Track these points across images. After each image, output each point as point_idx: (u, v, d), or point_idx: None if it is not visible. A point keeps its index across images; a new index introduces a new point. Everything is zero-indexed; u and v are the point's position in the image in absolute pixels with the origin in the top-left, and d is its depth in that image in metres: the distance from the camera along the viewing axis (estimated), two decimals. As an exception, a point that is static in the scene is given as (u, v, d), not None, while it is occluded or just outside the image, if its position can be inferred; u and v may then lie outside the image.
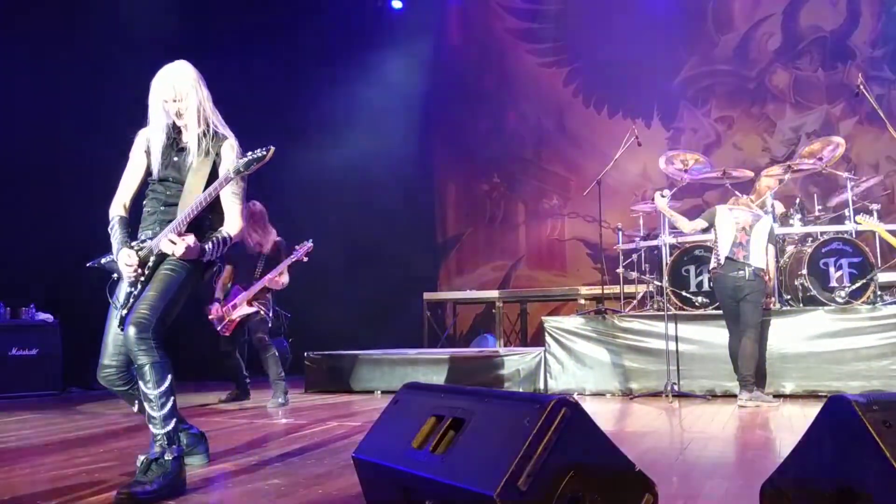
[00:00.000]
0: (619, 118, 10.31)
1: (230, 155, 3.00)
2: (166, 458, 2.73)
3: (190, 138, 3.01)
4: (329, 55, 9.62)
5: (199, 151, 3.00)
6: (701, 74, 10.03)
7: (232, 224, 3.05)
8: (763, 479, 1.99)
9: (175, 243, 2.85)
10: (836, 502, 1.65)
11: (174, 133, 3.05)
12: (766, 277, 5.41)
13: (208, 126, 3.03)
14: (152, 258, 2.92)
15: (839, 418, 1.67)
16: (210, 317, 6.01)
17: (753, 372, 5.24)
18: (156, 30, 7.65)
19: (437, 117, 11.17)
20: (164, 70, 3.00)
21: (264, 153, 2.81)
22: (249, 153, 2.82)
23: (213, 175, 2.98)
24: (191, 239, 2.87)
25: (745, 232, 5.42)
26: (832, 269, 6.02)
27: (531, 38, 10.96)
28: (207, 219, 3.02)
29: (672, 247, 6.68)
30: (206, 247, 2.94)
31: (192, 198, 2.92)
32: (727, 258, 5.40)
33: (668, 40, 10.07)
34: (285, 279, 5.95)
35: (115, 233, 3.03)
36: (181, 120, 3.00)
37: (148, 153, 3.06)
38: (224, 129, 3.08)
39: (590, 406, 5.40)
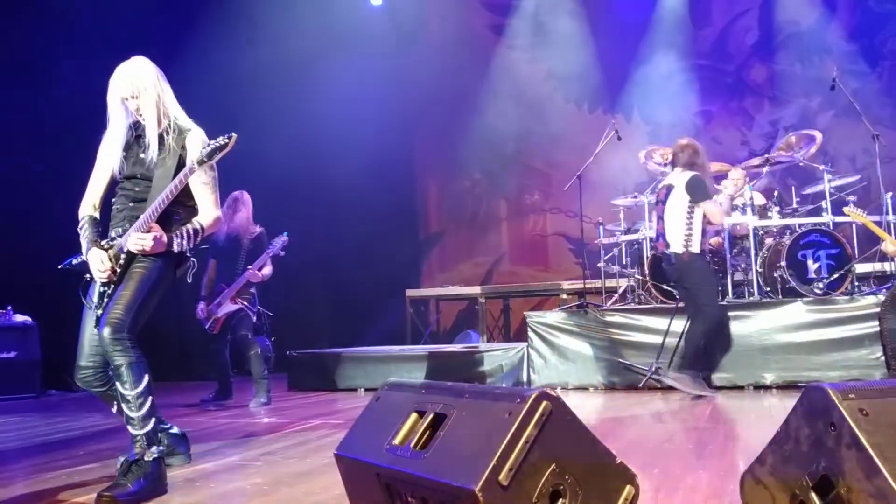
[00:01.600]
0: (599, 113, 10.35)
1: (197, 146, 2.99)
2: (146, 459, 2.72)
3: (153, 134, 2.99)
4: (308, 52, 9.57)
5: (164, 146, 2.99)
6: (680, 69, 10.07)
7: (205, 214, 3.04)
8: (743, 468, 2.01)
9: (141, 240, 2.83)
10: (813, 490, 1.67)
11: (138, 130, 3.04)
12: (685, 253, 5.28)
13: (170, 120, 3.03)
14: (123, 256, 2.90)
15: (816, 407, 1.68)
16: (199, 316, 5.98)
17: (691, 356, 5.30)
18: (133, 25, 7.58)
19: (418, 114, 11.15)
20: (120, 68, 2.99)
21: (226, 140, 2.82)
22: (212, 142, 2.82)
23: (181, 169, 2.97)
24: (157, 231, 2.86)
25: (661, 220, 5.45)
26: (810, 261, 6.08)
27: (511, 34, 10.96)
28: (177, 213, 3.01)
29: (652, 240, 6.74)
30: (175, 238, 2.93)
31: (160, 192, 2.91)
32: (655, 253, 5.48)
33: (646, 35, 10.12)
34: (267, 271, 5.90)
35: (85, 232, 3.01)
36: (142, 116, 2.98)
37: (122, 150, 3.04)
38: (187, 122, 3.08)
39: (572, 400, 5.43)
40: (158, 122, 2.99)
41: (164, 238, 2.89)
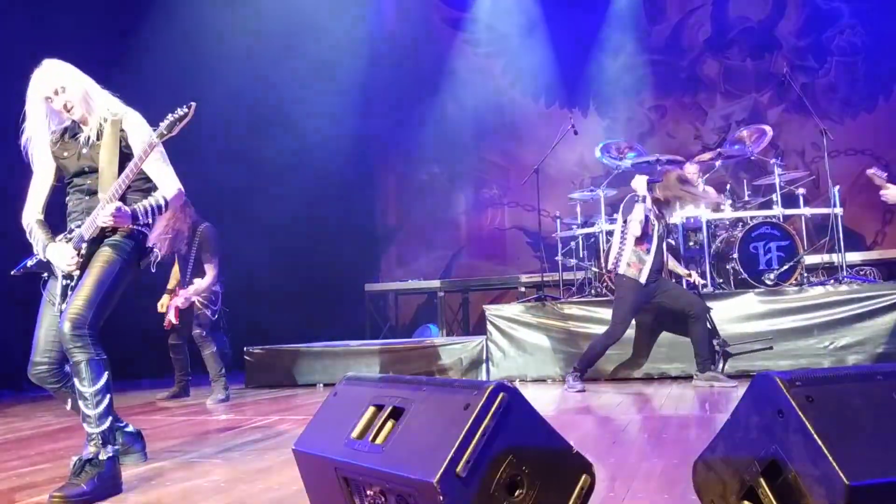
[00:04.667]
0: (555, 108, 10.42)
1: (137, 127, 2.98)
2: (101, 457, 2.67)
3: (90, 126, 2.96)
4: (262, 44, 9.46)
5: (103, 134, 2.95)
6: (635, 64, 10.19)
7: (167, 188, 3.00)
8: (696, 456, 2.05)
9: (105, 213, 2.79)
10: (762, 476, 1.71)
11: (76, 128, 3.00)
12: (612, 271, 5.52)
13: (101, 108, 2.99)
14: (84, 246, 2.85)
15: (765, 395, 1.72)
16: (161, 310, 5.89)
17: (581, 359, 5.52)
18: (78, 27, 7.40)
19: (375, 107, 11.10)
20: (37, 71, 2.94)
21: (186, 110, 2.79)
22: (170, 114, 2.78)
23: (123, 153, 2.94)
24: (117, 204, 2.81)
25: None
26: (761, 253, 6.22)
27: (467, 27, 10.98)
28: (134, 200, 2.97)
29: (608, 233, 6.82)
30: (139, 210, 2.89)
31: (111, 180, 2.87)
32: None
33: (602, 30, 10.22)
34: (195, 289, 5.67)
35: (36, 235, 2.96)
36: (73, 114, 2.95)
37: (55, 155, 3.00)
38: (121, 107, 3.05)
39: (531, 392, 5.49)
40: (90, 111, 2.96)
41: (127, 210, 2.84)
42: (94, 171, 2.95)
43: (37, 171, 3.05)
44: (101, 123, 2.97)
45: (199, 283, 5.65)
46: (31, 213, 3.02)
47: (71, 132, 3.01)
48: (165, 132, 2.78)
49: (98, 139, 2.95)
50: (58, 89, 2.90)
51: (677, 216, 6.46)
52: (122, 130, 2.97)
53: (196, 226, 5.76)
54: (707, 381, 5.29)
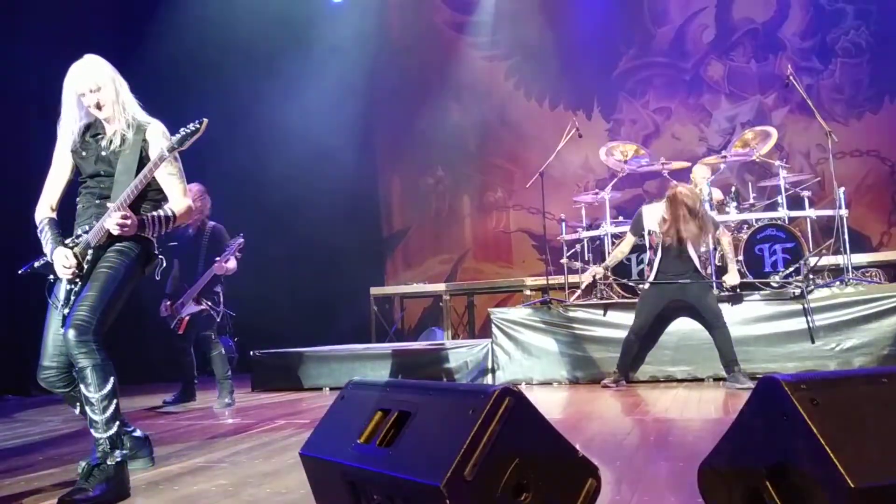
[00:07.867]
0: (560, 110, 10.43)
1: (158, 138, 2.98)
2: (109, 462, 2.68)
3: (114, 130, 2.97)
4: (268, 49, 9.50)
5: (126, 141, 2.96)
6: (639, 66, 10.20)
7: (176, 203, 3.01)
8: (702, 459, 2.05)
9: (112, 219, 2.79)
10: (768, 479, 1.71)
11: (98, 128, 3.00)
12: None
13: (129, 115, 3.00)
14: (90, 252, 2.87)
15: (770, 398, 1.72)
16: (163, 314, 5.90)
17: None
18: (78, 23, 7.44)
19: (380, 111, 11.13)
20: (76, 65, 2.95)
21: (198, 125, 2.80)
22: (182, 129, 2.80)
23: (143, 163, 2.94)
24: (125, 212, 2.82)
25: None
26: (767, 255, 6.21)
27: (471, 31, 11.00)
28: (144, 208, 2.98)
29: (614, 236, 6.82)
30: (146, 220, 2.90)
31: (124, 188, 2.88)
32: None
33: (606, 33, 10.22)
34: (232, 265, 5.76)
35: (46, 234, 2.96)
36: (101, 113, 2.96)
37: (74, 152, 3.00)
38: (146, 117, 3.06)
39: (537, 395, 5.49)
40: (118, 116, 2.96)
41: (136, 219, 2.85)
42: (110, 175, 2.96)
43: (55, 164, 3.06)
44: (125, 130, 2.98)
45: (224, 265, 5.67)
46: (44, 210, 3.03)
47: (93, 131, 3.01)
48: (176, 146, 2.80)
49: (120, 145, 2.96)
50: (92, 87, 2.91)
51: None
52: (144, 140, 2.99)
53: (204, 223, 5.84)
54: (732, 384, 5.29)
